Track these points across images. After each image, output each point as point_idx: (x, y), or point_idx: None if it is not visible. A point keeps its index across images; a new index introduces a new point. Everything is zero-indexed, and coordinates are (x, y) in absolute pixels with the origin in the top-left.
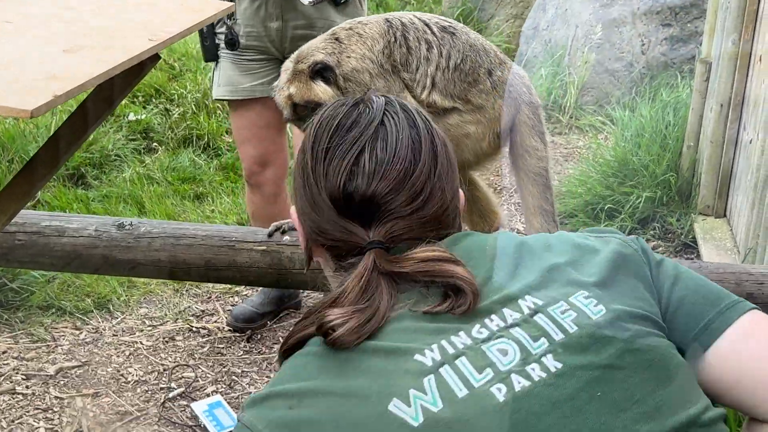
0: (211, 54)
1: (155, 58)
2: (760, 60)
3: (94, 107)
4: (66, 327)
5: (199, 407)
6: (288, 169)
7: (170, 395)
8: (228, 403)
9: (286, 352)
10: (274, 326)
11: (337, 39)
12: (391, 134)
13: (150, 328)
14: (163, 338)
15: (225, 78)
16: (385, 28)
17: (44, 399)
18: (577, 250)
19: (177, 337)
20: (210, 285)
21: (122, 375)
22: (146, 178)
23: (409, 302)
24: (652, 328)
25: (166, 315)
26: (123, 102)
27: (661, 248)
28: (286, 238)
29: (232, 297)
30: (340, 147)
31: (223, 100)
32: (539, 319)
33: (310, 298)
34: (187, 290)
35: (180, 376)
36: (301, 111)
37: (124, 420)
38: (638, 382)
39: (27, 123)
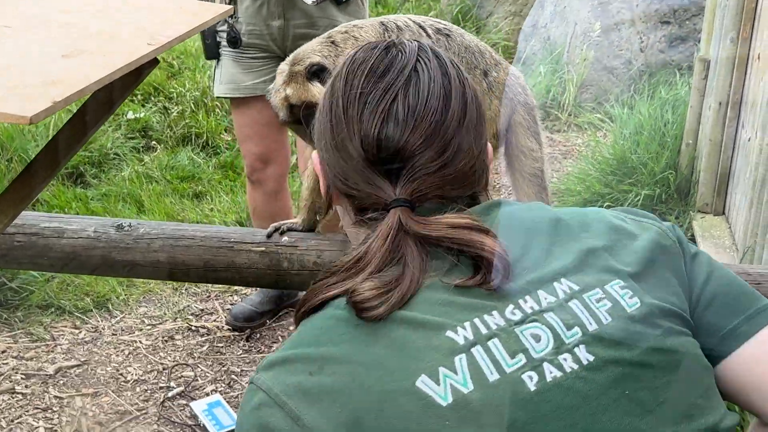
0: (212, 52)
1: (154, 62)
2: (759, 58)
3: (93, 111)
4: (65, 326)
5: (198, 406)
6: (289, 167)
7: (169, 394)
8: (227, 402)
9: (305, 314)
10: (274, 325)
11: (333, 42)
12: (424, 82)
13: (149, 327)
14: (163, 337)
15: (227, 76)
16: (380, 31)
17: (43, 398)
18: (614, 233)
19: (176, 336)
20: (209, 284)
21: (121, 374)
22: (145, 176)
23: (439, 271)
24: (682, 326)
25: (165, 314)
26: None
27: None
28: (285, 239)
29: (231, 296)
30: (373, 93)
31: (225, 97)
32: (574, 305)
33: None
34: (186, 289)
35: (179, 375)
36: (298, 112)
37: (123, 419)
38: (665, 383)
39: None
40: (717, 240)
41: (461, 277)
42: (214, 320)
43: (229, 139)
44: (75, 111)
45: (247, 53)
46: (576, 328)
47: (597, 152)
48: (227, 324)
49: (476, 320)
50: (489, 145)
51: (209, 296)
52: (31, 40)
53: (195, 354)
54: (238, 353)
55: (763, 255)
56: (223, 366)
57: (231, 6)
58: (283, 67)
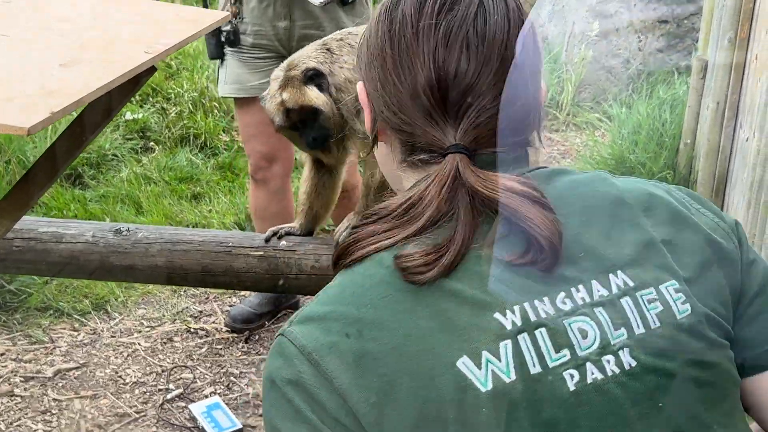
0: (216, 52)
1: (152, 69)
2: (756, 59)
3: (91, 118)
4: (64, 328)
5: (197, 408)
6: (293, 165)
7: (168, 396)
8: (226, 404)
9: (346, 264)
10: (272, 327)
11: (328, 49)
12: (491, 15)
13: (148, 329)
14: (161, 339)
15: (232, 76)
16: None
17: (42, 401)
18: (676, 224)
19: (175, 338)
20: None
21: (120, 376)
22: (143, 177)
23: (488, 239)
24: (723, 337)
25: (164, 316)
26: None
27: None
28: (283, 243)
29: (229, 298)
30: (445, 25)
31: (231, 97)
32: (625, 303)
33: (308, 297)
34: (185, 291)
35: (178, 377)
36: (295, 116)
37: (122, 422)
38: (696, 398)
39: None
40: None
41: (511, 250)
42: (213, 322)
43: (228, 139)
44: (74, 117)
45: (253, 53)
46: (623, 329)
47: (595, 152)
48: (226, 326)
49: (526, 305)
50: (543, 83)
51: (208, 298)
52: (29, 50)
53: (194, 356)
54: (237, 355)
55: (761, 255)
56: (222, 368)
57: (228, 12)
58: (278, 73)
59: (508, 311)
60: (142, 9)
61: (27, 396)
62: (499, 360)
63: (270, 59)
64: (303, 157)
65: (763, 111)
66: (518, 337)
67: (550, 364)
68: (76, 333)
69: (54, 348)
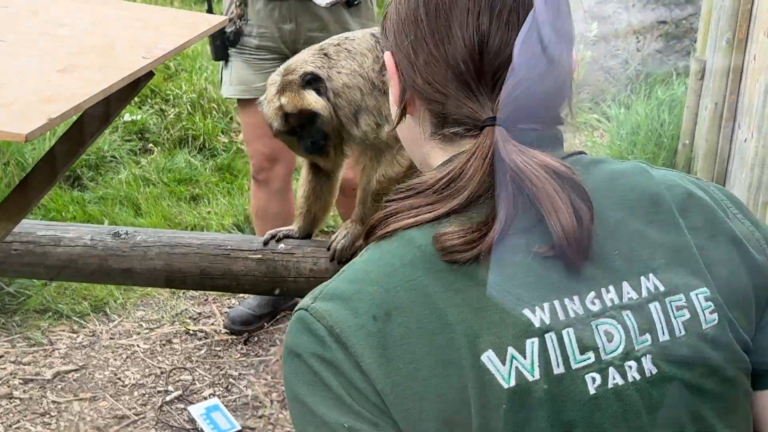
0: (220, 53)
1: (149, 74)
2: (755, 59)
3: (90, 123)
4: (63, 330)
5: (196, 410)
6: (295, 166)
7: (167, 398)
8: (225, 406)
9: (378, 236)
10: (271, 328)
11: (326, 54)
12: None
13: (147, 331)
14: (160, 341)
15: (237, 77)
16: (372, 42)
17: (41, 403)
18: (711, 228)
19: (174, 340)
20: None
21: (119, 378)
22: (142, 179)
23: (519, 223)
24: (744, 348)
25: (162, 318)
26: None
27: None
28: (281, 246)
29: (228, 299)
30: None
31: (235, 98)
32: (653, 308)
33: None
34: (183, 293)
35: (177, 379)
36: (294, 121)
37: (121, 424)
38: (711, 410)
39: None
40: None
41: (543, 241)
42: (212, 324)
43: (226, 141)
44: (73, 121)
45: (258, 55)
46: (647, 335)
47: (594, 152)
48: (225, 327)
49: (556, 302)
50: (573, 55)
51: (207, 300)
52: (26, 55)
53: (193, 358)
54: (236, 357)
55: None
56: (221, 370)
57: (226, 17)
58: (275, 78)
59: (537, 308)
60: (139, 14)
61: (26, 398)
62: (524, 357)
63: (275, 61)
64: (300, 159)
65: (761, 112)
66: (546, 335)
67: (574, 366)
68: (75, 335)
69: (53, 350)
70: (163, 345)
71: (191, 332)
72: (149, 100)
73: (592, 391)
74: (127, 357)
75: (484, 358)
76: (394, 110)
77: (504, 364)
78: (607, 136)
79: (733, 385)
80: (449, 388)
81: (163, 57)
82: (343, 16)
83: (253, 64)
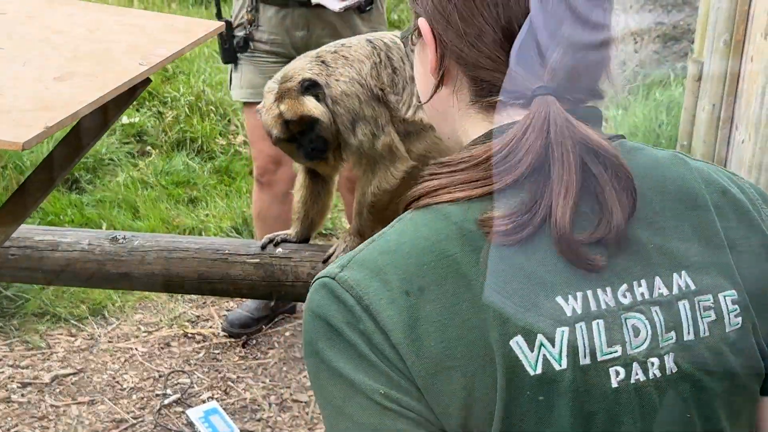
0: (229, 56)
1: (146, 81)
2: (752, 60)
3: (87, 130)
4: (61, 334)
5: (194, 414)
6: None
7: (166, 402)
8: (224, 409)
9: (419, 206)
10: (270, 331)
11: (323, 62)
12: None
13: (145, 335)
14: (159, 344)
15: (247, 81)
16: (369, 49)
17: (40, 407)
18: (744, 228)
19: (172, 343)
20: None
21: (117, 382)
22: (140, 182)
23: (565, 206)
24: (760, 352)
25: (161, 321)
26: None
27: None
28: (279, 250)
29: (227, 302)
30: None
31: (245, 101)
32: (682, 306)
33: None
34: (182, 296)
35: (175, 382)
36: (294, 128)
37: (120, 427)
38: (722, 412)
39: None
40: None
41: (582, 225)
42: (210, 327)
43: (224, 143)
44: (70, 128)
45: (268, 59)
46: (672, 333)
47: None
48: (223, 330)
49: (589, 293)
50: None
51: (205, 303)
52: (23, 62)
53: (191, 361)
54: (235, 360)
55: None
56: (220, 373)
57: (223, 23)
58: (272, 85)
59: (570, 297)
60: (136, 20)
61: (24, 402)
62: (553, 346)
63: (284, 65)
64: (296, 164)
65: (759, 113)
66: (576, 325)
67: (600, 358)
68: (73, 338)
69: (51, 354)
70: (162, 348)
71: (189, 335)
72: (147, 103)
73: (614, 385)
74: (125, 360)
75: (513, 343)
76: (423, 83)
77: (532, 350)
78: None
79: (746, 389)
80: (477, 370)
81: (161, 63)
82: (354, 22)
83: (263, 68)
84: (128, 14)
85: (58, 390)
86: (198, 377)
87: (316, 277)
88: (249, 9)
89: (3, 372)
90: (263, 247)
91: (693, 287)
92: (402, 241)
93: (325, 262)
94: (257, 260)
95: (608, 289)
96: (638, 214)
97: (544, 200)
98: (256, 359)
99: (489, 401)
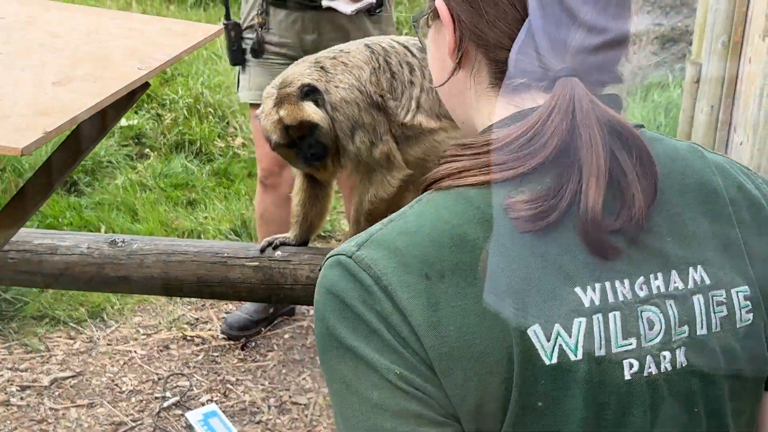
0: (237, 58)
1: (145, 85)
2: (750, 62)
3: (86, 134)
4: (60, 337)
5: (194, 416)
6: None
7: (165, 405)
8: (223, 411)
9: (439, 188)
10: (269, 333)
11: (322, 67)
12: None
13: (144, 337)
14: (158, 347)
15: (255, 83)
16: (368, 54)
17: (39, 410)
18: (758, 224)
19: (171, 346)
20: None
21: (117, 385)
22: (139, 184)
23: (591, 193)
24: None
25: (160, 323)
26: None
27: None
28: (278, 253)
29: (225, 305)
30: None
31: (253, 103)
32: (696, 301)
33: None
34: (180, 298)
35: (174, 385)
36: (294, 133)
37: (119, 430)
38: (727, 407)
39: None
40: None
41: (604, 212)
42: (209, 329)
43: (223, 145)
44: (69, 133)
45: (277, 61)
46: (685, 327)
47: None
48: (222, 333)
49: (607, 284)
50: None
51: (204, 305)
52: (22, 67)
53: (190, 363)
54: (234, 362)
55: None
56: (219, 375)
57: (221, 27)
58: (271, 90)
59: (589, 287)
60: (135, 24)
61: (23, 405)
62: (570, 336)
63: None
64: (294, 169)
65: (757, 115)
66: (593, 316)
67: (614, 350)
68: (72, 341)
69: (50, 357)
70: (161, 351)
71: (188, 338)
72: (145, 105)
73: (627, 377)
74: (124, 363)
75: (530, 331)
76: (438, 67)
77: (549, 340)
78: None
79: (751, 385)
80: (495, 358)
81: (159, 68)
82: (364, 25)
83: (272, 70)
84: (127, 18)
85: (57, 393)
86: (197, 380)
87: (329, 254)
88: (259, 12)
89: (2, 375)
90: (262, 250)
91: (708, 282)
92: (421, 223)
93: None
94: (256, 263)
95: (626, 282)
96: (658, 205)
97: (569, 184)
98: (255, 362)
99: (504, 388)
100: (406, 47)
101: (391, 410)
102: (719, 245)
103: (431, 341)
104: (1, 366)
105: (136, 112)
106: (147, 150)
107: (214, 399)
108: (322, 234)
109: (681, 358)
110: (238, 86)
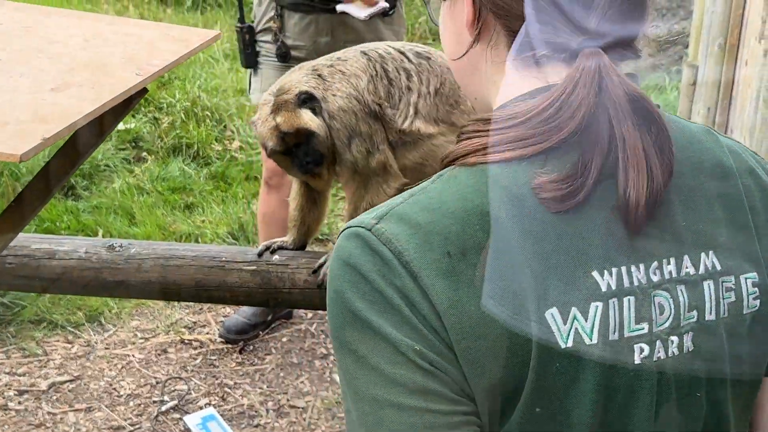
0: (250, 61)
1: (143, 91)
2: (747, 64)
3: (84, 140)
4: (58, 341)
5: (192, 420)
6: None
7: (163, 408)
8: (221, 415)
9: (462, 164)
10: (266, 337)
11: (319, 75)
12: None
13: (142, 341)
14: (156, 351)
15: (267, 85)
16: (364, 62)
17: (37, 414)
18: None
19: (169, 350)
20: None
21: (115, 389)
22: (136, 188)
23: (605, 171)
24: None
25: (158, 327)
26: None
27: None
28: (276, 257)
29: (223, 308)
30: None
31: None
32: (707, 286)
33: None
34: (178, 302)
35: (173, 388)
36: (290, 140)
37: None
38: (728, 392)
39: None
40: None
41: (617, 195)
42: (207, 333)
43: (220, 149)
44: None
45: (290, 64)
46: (694, 312)
47: None
48: (220, 337)
49: (623, 269)
50: None
51: (202, 309)
52: (20, 74)
53: (188, 367)
54: (232, 366)
55: None
56: (217, 379)
57: (218, 31)
58: (268, 97)
59: (606, 272)
60: (132, 29)
61: (21, 409)
62: (586, 320)
63: None
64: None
65: (753, 117)
66: (609, 301)
67: (626, 334)
68: (70, 345)
69: (48, 361)
70: (159, 355)
71: (186, 341)
72: (143, 109)
73: (637, 361)
74: (122, 367)
75: (547, 314)
76: (453, 41)
77: (565, 323)
78: None
79: (754, 372)
80: (513, 339)
81: (157, 73)
82: (378, 27)
83: (284, 73)
84: (124, 23)
85: (55, 397)
86: (195, 383)
87: (346, 225)
88: (275, 16)
89: (0, 379)
90: (260, 255)
91: (719, 268)
92: (444, 200)
93: (315, 272)
94: (254, 267)
95: (641, 266)
96: (674, 187)
97: (595, 160)
98: (254, 365)
99: (521, 369)
100: (402, 53)
101: (408, 386)
102: (731, 230)
103: (452, 320)
104: None
105: (133, 116)
106: (144, 153)
107: (212, 403)
108: (320, 237)
109: (688, 342)
110: (249, 88)
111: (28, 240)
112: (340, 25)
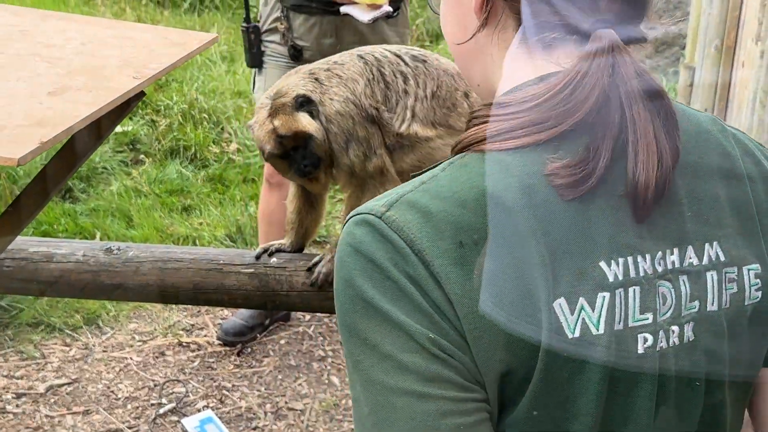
0: (256, 61)
1: (140, 94)
2: (743, 65)
3: (81, 144)
4: (55, 344)
5: (190, 423)
6: None
7: (161, 411)
8: (219, 417)
9: (473, 150)
10: (264, 339)
11: (317, 79)
12: None
13: (140, 344)
14: (153, 353)
15: (271, 85)
16: (361, 66)
17: (35, 418)
18: None
19: (167, 352)
20: None
21: (112, 392)
22: (134, 190)
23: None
24: None
25: (155, 330)
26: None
27: None
28: (274, 260)
29: (221, 311)
30: None
31: None
32: (710, 277)
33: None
34: (176, 305)
35: (170, 391)
36: (288, 144)
37: None
38: (725, 382)
39: None
40: None
41: (624, 182)
42: (205, 335)
43: (218, 151)
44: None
45: (294, 65)
46: (696, 302)
47: None
48: (218, 339)
49: (629, 259)
50: None
51: (200, 311)
52: (17, 78)
53: (186, 370)
54: (230, 368)
55: None
56: (215, 381)
57: (216, 35)
58: (265, 101)
59: (613, 262)
60: (129, 33)
61: (19, 413)
62: (593, 311)
63: None
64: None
65: (750, 119)
66: (616, 291)
67: (630, 324)
68: (67, 348)
69: (46, 364)
70: (156, 357)
71: (184, 344)
72: (140, 111)
73: (640, 351)
74: (120, 370)
75: (556, 305)
76: (459, 25)
77: (573, 314)
78: None
79: (752, 361)
80: (525, 330)
81: (154, 77)
82: (382, 28)
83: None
84: (122, 27)
85: (53, 400)
86: (193, 386)
87: (355, 212)
88: (282, 17)
89: None
90: (258, 257)
91: (723, 258)
92: (455, 188)
93: (310, 270)
94: (252, 270)
95: (647, 256)
96: (680, 176)
97: (605, 143)
98: (251, 367)
99: (530, 358)
100: (398, 56)
101: (422, 374)
102: (736, 222)
103: (465, 309)
104: None
105: (130, 119)
106: (142, 156)
107: (210, 405)
108: (317, 239)
109: (689, 332)
110: (253, 87)
111: (26, 243)
112: (344, 27)
